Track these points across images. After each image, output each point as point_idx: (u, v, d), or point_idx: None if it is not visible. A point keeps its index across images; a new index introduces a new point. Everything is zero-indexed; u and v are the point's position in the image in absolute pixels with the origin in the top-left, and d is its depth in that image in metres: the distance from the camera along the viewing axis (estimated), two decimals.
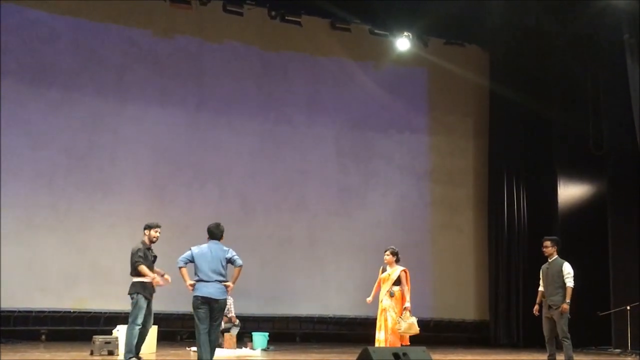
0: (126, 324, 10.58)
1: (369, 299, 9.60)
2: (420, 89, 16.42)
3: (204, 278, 7.97)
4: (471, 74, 16.29)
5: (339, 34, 15.44)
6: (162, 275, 8.98)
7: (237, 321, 12.04)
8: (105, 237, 13.58)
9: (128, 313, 12.87)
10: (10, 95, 13.17)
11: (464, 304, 15.88)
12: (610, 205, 14.30)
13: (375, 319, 9.47)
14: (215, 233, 8.29)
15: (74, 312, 13.12)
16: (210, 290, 7.94)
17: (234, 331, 11.89)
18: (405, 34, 15.12)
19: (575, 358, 12.08)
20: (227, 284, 8.05)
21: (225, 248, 8.16)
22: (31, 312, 12.84)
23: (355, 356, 7.03)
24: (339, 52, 15.63)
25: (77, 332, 12.73)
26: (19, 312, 12.74)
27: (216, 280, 7.99)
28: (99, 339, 10.00)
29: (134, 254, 8.90)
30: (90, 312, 13.18)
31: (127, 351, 8.74)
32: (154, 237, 9.10)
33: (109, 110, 13.98)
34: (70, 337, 12.55)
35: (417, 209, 15.96)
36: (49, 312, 12.95)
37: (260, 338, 12.17)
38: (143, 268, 8.77)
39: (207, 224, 13.81)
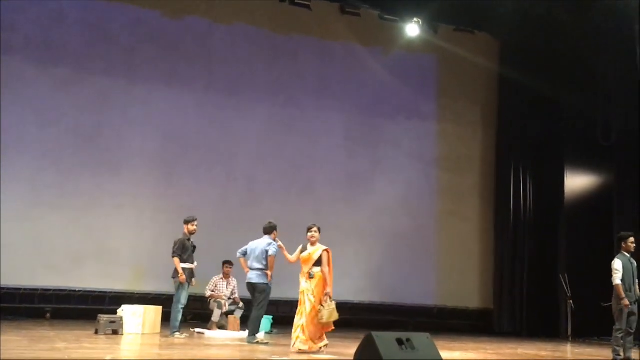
0: (130, 303, 10.76)
1: (279, 244, 9.38)
2: (430, 76, 16.35)
3: (250, 266, 9.79)
4: (481, 61, 16.21)
5: (349, 18, 15.39)
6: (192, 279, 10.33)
7: (242, 304, 12.07)
8: (112, 217, 13.62)
9: (133, 293, 13.11)
10: (18, 74, 13.18)
11: (468, 291, 15.88)
12: (617, 195, 14.26)
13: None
14: (265, 229, 9.91)
15: (79, 290, 13.19)
16: (251, 276, 9.76)
17: (238, 314, 11.94)
18: (415, 19, 15.07)
19: (578, 348, 12.16)
20: (266, 271, 9.67)
21: (269, 242, 9.76)
22: (37, 290, 12.92)
23: (359, 341, 7.04)
24: (348, 36, 15.56)
25: (82, 310, 12.77)
26: (25, 289, 12.81)
27: (257, 268, 9.69)
28: (103, 318, 10.02)
29: (173, 245, 10.23)
30: (96, 292, 13.25)
31: (173, 326, 10.07)
32: (193, 230, 10.35)
33: (117, 90, 13.97)
34: (75, 316, 12.60)
35: (424, 195, 15.94)
36: (55, 290, 13.02)
37: (264, 321, 12.19)
38: (176, 261, 10.10)
39: (214, 205, 14.11)
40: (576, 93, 15.28)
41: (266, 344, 9.59)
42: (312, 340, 8.69)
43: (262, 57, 15.09)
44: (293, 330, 8.85)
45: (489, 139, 16.43)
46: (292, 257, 9.20)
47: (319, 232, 9.02)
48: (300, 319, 8.75)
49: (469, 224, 16.16)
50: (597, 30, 14.41)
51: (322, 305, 8.60)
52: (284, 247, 9.34)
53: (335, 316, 8.65)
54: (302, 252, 9.03)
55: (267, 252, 9.66)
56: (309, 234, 9.02)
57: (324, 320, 8.54)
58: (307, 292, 8.74)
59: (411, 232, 15.52)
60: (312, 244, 8.98)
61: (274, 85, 15.14)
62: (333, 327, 8.86)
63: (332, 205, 15.12)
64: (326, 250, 8.88)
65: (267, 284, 9.68)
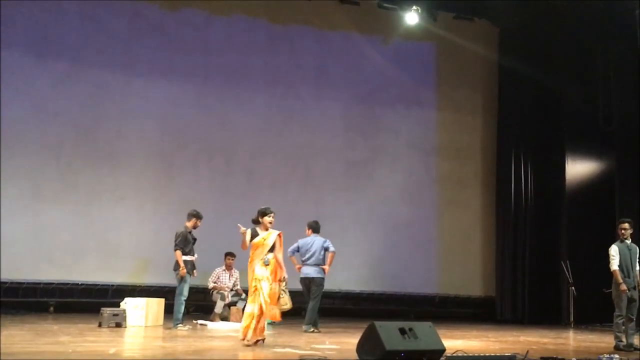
0: (133, 296, 10.79)
1: (243, 230, 8.41)
2: (429, 64, 16.29)
3: (306, 262, 10.66)
4: (480, 49, 16.14)
5: (347, 7, 15.34)
6: (193, 271, 10.50)
7: (244, 295, 12.08)
8: (113, 210, 13.63)
9: (136, 286, 13.15)
10: (17, 68, 13.17)
11: (470, 280, 15.88)
12: (618, 181, 14.26)
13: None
14: (314, 228, 10.87)
15: (82, 284, 13.21)
16: (308, 271, 10.61)
17: (241, 305, 11.93)
18: (414, 7, 14.97)
19: (580, 335, 12.18)
20: (323, 267, 10.64)
21: (324, 239, 10.76)
22: (39, 283, 12.93)
23: (361, 331, 7.05)
24: (347, 26, 15.50)
25: (85, 304, 12.79)
26: (27, 283, 12.83)
27: (315, 264, 10.61)
28: (107, 311, 10.06)
29: (175, 238, 10.36)
30: (98, 285, 13.26)
31: (175, 319, 10.22)
32: (197, 225, 10.54)
33: (115, 83, 13.95)
34: (78, 309, 12.61)
35: (424, 184, 15.92)
36: (57, 284, 13.04)
37: None
38: (178, 254, 10.27)
39: (214, 197, 14.12)
40: (577, 80, 15.25)
41: (319, 332, 10.29)
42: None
43: (260, 48, 15.03)
44: (246, 321, 8.31)
45: (489, 127, 16.39)
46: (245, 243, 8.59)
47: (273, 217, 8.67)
48: (259, 307, 8.22)
49: (470, 212, 16.14)
50: (597, 16, 14.35)
51: (283, 290, 8.45)
52: (247, 232, 8.50)
53: (289, 305, 8.77)
54: (252, 237, 8.49)
55: (325, 249, 10.68)
56: (268, 218, 8.58)
57: (288, 306, 8.60)
58: (264, 278, 8.26)
59: (412, 221, 15.51)
60: (264, 228, 8.50)
61: (272, 76, 15.10)
62: (280, 318, 8.81)
63: (332, 195, 15.11)
64: (279, 234, 8.56)
65: (324, 277, 10.68)
